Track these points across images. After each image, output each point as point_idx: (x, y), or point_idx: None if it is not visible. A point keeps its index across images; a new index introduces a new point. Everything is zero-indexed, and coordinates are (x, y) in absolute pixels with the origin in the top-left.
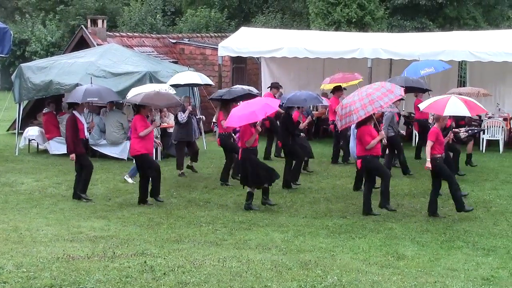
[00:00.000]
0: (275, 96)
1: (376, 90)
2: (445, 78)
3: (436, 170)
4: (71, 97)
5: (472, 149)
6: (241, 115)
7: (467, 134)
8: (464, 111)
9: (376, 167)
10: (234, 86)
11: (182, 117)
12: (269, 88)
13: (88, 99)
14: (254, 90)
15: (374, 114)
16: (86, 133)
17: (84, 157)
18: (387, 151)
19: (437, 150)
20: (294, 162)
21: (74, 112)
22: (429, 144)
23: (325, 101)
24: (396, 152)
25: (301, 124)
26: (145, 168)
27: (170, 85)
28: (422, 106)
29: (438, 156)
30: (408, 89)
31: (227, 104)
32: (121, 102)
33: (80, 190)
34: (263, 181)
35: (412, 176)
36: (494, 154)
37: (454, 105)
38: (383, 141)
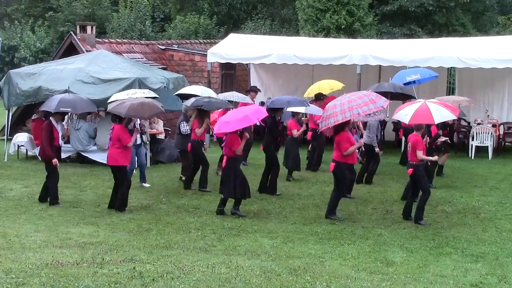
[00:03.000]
0: (254, 100)
1: (358, 98)
2: (434, 85)
3: (415, 177)
4: (45, 105)
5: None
6: (235, 119)
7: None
8: (449, 115)
9: (341, 176)
10: (215, 95)
11: (186, 128)
12: (247, 92)
13: (61, 108)
14: (239, 97)
15: (353, 121)
16: (61, 141)
17: (55, 166)
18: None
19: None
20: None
21: (51, 118)
22: (420, 153)
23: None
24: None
25: (295, 132)
26: (119, 180)
27: (176, 94)
28: (405, 118)
29: (420, 163)
30: (395, 96)
31: (203, 113)
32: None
33: (51, 200)
34: (239, 195)
35: (401, 183)
36: (483, 160)
37: (438, 111)
38: (361, 148)
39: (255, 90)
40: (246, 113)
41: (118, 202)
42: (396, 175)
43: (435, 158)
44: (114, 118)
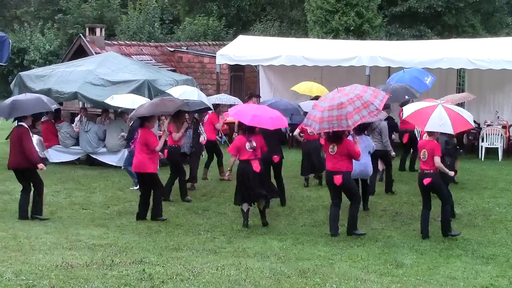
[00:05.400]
0: None
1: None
2: (443, 86)
3: (435, 187)
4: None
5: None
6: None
7: None
8: (448, 128)
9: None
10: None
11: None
12: (248, 98)
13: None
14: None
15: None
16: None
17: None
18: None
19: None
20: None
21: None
22: (438, 160)
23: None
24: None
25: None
26: (153, 187)
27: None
28: (407, 111)
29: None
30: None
31: (178, 116)
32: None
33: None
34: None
35: (410, 184)
36: (493, 162)
37: (438, 119)
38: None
39: (256, 95)
40: (271, 115)
41: (154, 209)
42: (405, 177)
43: (451, 173)
44: (141, 122)
